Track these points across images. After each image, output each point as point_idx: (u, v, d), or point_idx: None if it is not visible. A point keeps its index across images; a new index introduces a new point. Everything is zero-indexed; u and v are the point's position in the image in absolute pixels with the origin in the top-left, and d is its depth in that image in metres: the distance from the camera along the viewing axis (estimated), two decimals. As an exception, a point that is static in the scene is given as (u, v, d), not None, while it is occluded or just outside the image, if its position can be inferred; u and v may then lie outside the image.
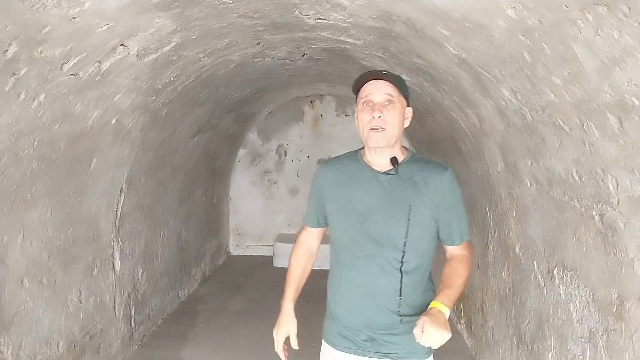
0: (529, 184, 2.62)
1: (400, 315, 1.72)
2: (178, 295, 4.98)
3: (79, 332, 3.09)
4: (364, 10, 2.37)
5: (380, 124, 1.65)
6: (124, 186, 3.53)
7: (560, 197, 2.27)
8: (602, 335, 2.05)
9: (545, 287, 2.61)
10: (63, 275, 2.90)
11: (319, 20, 2.73)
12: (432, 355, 1.80)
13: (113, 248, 3.52)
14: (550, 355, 2.54)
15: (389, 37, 2.73)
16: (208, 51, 3.07)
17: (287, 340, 1.90)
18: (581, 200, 2.09)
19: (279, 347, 1.89)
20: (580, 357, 2.23)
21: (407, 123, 1.76)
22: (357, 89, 1.74)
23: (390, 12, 2.26)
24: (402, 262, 1.69)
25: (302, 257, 1.99)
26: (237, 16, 2.57)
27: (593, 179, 1.90)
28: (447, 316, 1.55)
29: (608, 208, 1.87)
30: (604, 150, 1.72)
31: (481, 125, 2.96)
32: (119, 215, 3.54)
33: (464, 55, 2.26)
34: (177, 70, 3.11)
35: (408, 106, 1.76)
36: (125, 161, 3.42)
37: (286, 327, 1.88)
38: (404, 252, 1.69)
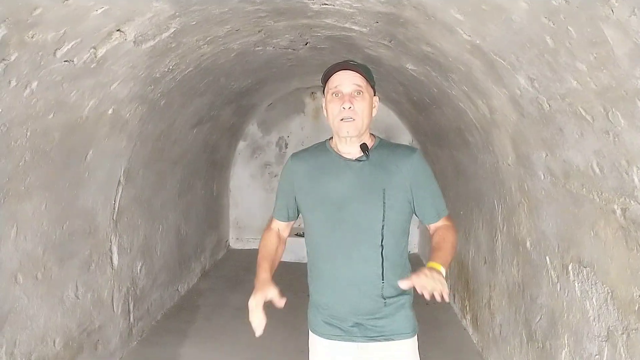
0: (542, 176, 2.52)
1: (384, 299, 1.75)
2: (177, 289, 4.89)
3: (76, 329, 3.00)
4: (372, -6, 2.27)
5: (350, 115, 1.68)
6: (121, 179, 3.43)
7: (578, 191, 2.17)
8: (621, 334, 1.96)
9: (558, 284, 2.52)
10: (59, 271, 2.80)
11: (324, 6, 2.62)
12: (416, 335, 1.84)
13: (111, 242, 3.42)
14: (563, 354, 2.45)
15: (397, 24, 2.62)
16: (208, 38, 2.96)
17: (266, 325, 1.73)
18: (601, 193, 1.99)
19: (253, 315, 1.66)
20: (597, 356, 2.14)
21: (374, 112, 1.79)
22: (325, 80, 1.77)
23: (401, -5, 2.15)
24: (382, 245, 1.71)
25: (274, 240, 1.96)
26: (239, 1, 2.46)
27: (616, 171, 1.80)
28: (444, 274, 1.55)
29: (632, 202, 1.77)
30: (630, 141, 1.62)
31: (492, 116, 2.86)
32: (116, 208, 3.44)
33: (477, 41, 2.15)
34: (176, 58, 3.00)
35: (375, 95, 1.80)
36: (122, 153, 3.31)
37: (263, 292, 1.68)
38: (382, 235, 1.71)
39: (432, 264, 1.59)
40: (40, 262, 2.63)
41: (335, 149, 1.81)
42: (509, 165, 3.00)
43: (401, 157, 1.76)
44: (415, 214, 1.81)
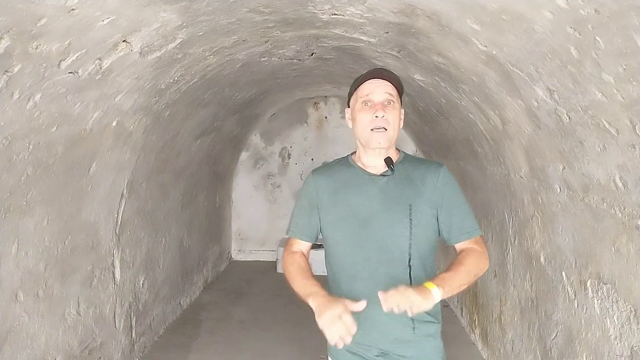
0: (558, 189, 2.46)
1: (413, 323, 1.62)
2: (180, 303, 4.80)
3: (77, 347, 2.92)
4: (384, 4, 2.21)
5: (382, 124, 1.60)
6: (124, 191, 3.35)
7: (598, 205, 2.11)
8: (647, 355, 1.89)
9: (576, 300, 2.44)
10: (60, 287, 2.73)
11: (334, 16, 2.57)
12: None
13: (113, 256, 3.34)
14: (582, 373, 2.37)
15: (408, 34, 2.57)
16: (214, 49, 2.90)
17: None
18: (624, 208, 1.92)
19: (340, 324, 1.39)
20: (620, 377, 2.06)
21: (400, 124, 1.71)
22: (354, 87, 1.68)
23: (415, 5, 2.09)
24: (409, 265, 1.60)
25: (304, 261, 1.73)
26: (247, 11, 2.41)
27: (641, 186, 1.74)
28: (437, 294, 1.44)
29: (659, 218, 1.70)
30: (659, 155, 1.56)
31: (504, 128, 2.80)
32: (119, 222, 3.37)
33: (494, 52, 2.09)
34: (182, 69, 2.95)
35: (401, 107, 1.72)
36: (126, 165, 3.25)
37: (340, 303, 1.44)
38: (410, 254, 1.59)
39: (427, 283, 1.46)
40: (42, 278, 2.55)
41: (359, 164, 1.71)
42: (521, 177, 2.93)
43: (428, 172, 1.66)
44: (440, 233, 1.67)
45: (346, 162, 1.76)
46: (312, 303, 1.49)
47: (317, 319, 1.44)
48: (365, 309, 1.60)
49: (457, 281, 1.53)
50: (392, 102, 1.62)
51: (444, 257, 4.46)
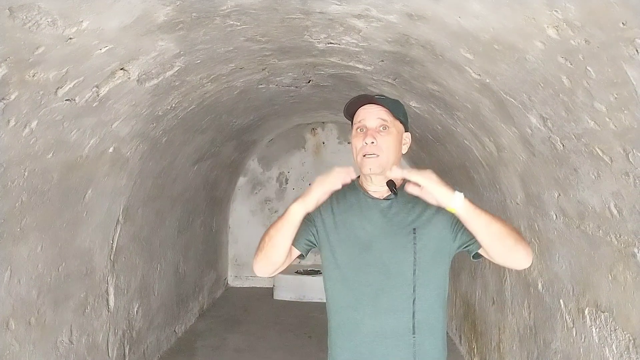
0: (554, 216, 2.45)
1: (415, 357, 1.53)
2: (175, 331, 4.73)
3: (68, 376, 2.86)
4: (379, 34, 2.24)
5: (373, 150, 1.57)
6: (120, 217, 3.34)
7: (594, 232, 2.10)
8: (647, 385, 1.86)
9: (574, 329, 2.42)
10: (53, 315, 2.69)
11: (330, 45, 2.61)
12: None
13: (107, 283, 3.31)
14: (583, 404, 2.33)
15: (403, 62, 2.60)
16: (212, 77, 2.93)
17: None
18: (620, 236, 1.92)
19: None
20: (621, 408, 2.03)
21: (405, 149, 1.68)
22: (350, 114, 1.66)
23: (409, 34, 2.12)
24: (414, 295, 1.52)
25: None
26: (244, 40, 2.44)
27: (636, 214, 1.74)
28: (459, 197, 1.42)
29: (654, 246, 1.70)
30: (653, 183, 1.57)
31: (499, 154, 2.81)
32: (114, 248, 3.34)
33: (487, 80, 2.12)
34: (179, 96, 2.97)
35: (406, 131, 1.67)
36: (122, 191, 3.24)
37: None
38: (414, 283, 1.52)
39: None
40: (34, 306, 2.52)
41: (363, 187, 1.68)
42: (517, 204, 2.93)
43: None
44: (467, 250, 1.57)
45: (351, 184, 1.69)
46: (296, 202, 1.50)
47: (310, 189, 1.50)
48: (362, 343, 1.56)
49: (484, 213, 1.43)
50: (386, 127, 1.58)
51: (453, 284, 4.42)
